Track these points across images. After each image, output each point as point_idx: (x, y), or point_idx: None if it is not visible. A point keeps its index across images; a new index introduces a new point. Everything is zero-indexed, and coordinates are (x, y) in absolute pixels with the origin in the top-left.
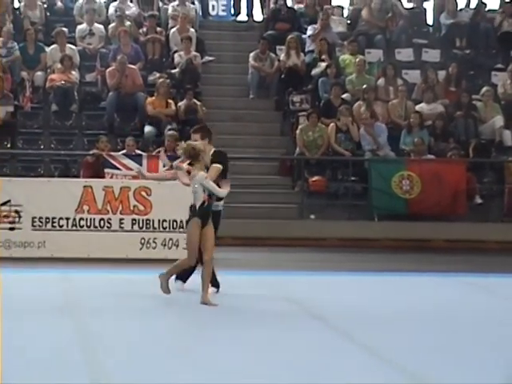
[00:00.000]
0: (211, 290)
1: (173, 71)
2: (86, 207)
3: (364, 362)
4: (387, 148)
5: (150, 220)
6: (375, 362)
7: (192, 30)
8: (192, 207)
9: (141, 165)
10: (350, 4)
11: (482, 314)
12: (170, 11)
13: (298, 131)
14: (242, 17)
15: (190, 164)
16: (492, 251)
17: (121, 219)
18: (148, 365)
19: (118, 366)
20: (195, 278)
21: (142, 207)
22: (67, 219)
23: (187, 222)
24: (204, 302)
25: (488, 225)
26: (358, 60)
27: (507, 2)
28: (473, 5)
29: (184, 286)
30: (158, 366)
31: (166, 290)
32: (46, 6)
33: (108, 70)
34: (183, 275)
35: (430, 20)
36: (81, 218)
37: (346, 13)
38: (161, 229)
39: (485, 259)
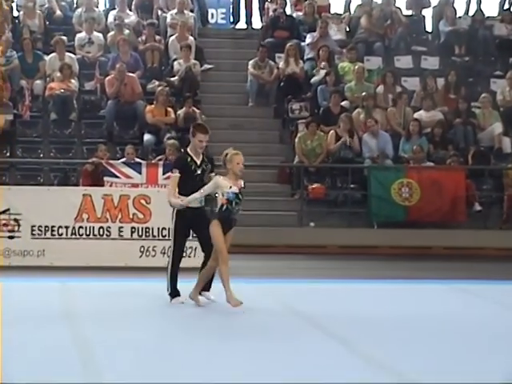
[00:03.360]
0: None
1: (172, 79)
2: (85, 215)
3: (363, 369)
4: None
5: (149, 228)
6: (373, 369)
7: (191, 38)
8: (211, 211)
9: (140, 173)
10: (345, 11)
11: (481, 321)
12: (168, 19)
13: (296, 139)
14: (241, 25)
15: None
16: (491, 258)
17: (120, 227)
18: (144, 373)
19: (116, 375)
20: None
21: (141, 215)
22: (66, 228)
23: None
24: (228, 300)
25: (487, 232)
26: (357, 67)
27: (506, 10)
28: (471, 12)
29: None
30: (153, 374)
31: (198, 301)
32: (45, 14)
33: (107, 78)
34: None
35: (428, 27)
36: (80, 227)
37: (344, 20)
38: (160, 237)
39: (484, 266)
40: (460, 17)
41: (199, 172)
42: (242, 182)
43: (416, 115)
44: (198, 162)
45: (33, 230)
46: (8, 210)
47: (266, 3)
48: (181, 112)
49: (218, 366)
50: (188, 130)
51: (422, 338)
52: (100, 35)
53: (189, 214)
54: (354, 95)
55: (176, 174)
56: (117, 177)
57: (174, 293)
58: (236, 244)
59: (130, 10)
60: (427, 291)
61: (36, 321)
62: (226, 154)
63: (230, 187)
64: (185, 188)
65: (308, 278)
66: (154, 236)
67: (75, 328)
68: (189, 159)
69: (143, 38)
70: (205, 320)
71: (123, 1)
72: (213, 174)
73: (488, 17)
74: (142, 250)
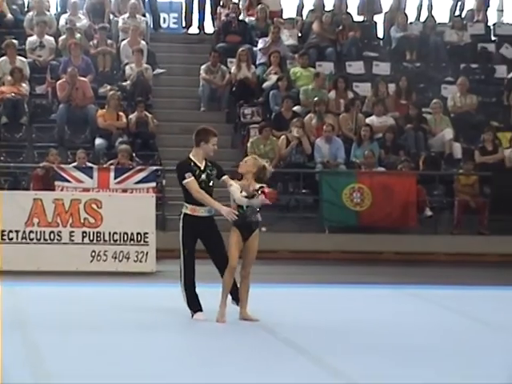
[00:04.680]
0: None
1: (124, 84)
2: (35, 220)
3: (310, 370)
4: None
5: (100, 233)
6: (319, 371)
7: (143, 42)
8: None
9: (91, 177)
10: (297, 14)
11: (431, 326)
12: (120, 24)
13: (249, 144)
14: (193, 29)
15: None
16: (442, 263)
17: (71, 232)
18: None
19: (65, 378)
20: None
21: (92, 220)
22: (17, 232)
23: None
24: (244, 317)
25: (438, 237)
26: (320, 74)
27: (457, 16)
28: (423, 18)
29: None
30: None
31: (222, 317)
32: None
33: (58, 82)
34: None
35: (380, 33)
36: (31, 231)
37: (296, 25)
38: (111, 241)
39: (435, 271)
40: (411, 23)
41: (204, 177)
42: (256, 185)
43: (367, 120)
44: (202, 167)
45: None
46: None
47: (218, 8)
48: (132, 116)
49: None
50: (139, 134)
51: (371, 343)
52: (51, 39)
53: (197, 223)
54: (308, 99)
55: (191, 179)
56: (68, 181)
57: (195, 307)
58: None
59: (82, 14)
60: (378, 296)
61: None
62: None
63: (241, 191)
64: (191, 195)
65: (259, 282)
66: (105, 240)
67: (25, 333)
68: (192, 164)
69: (95, 41)
70: (156, 328)
71: (75, 4)
72: (225, 176)
73: (439, 23)
74: (93, 254)
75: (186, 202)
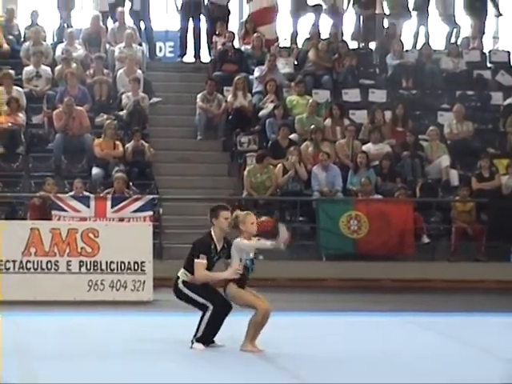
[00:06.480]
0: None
1: (120, 113)
2: (33, 249)
3: None
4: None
5: (97, 262)
6: None
7: (139, 71)
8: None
9: (88, 206)
10: (292, 42)
11: (428, 353)
12: (116, 53)
13: (245, 172)
14: (189, 58)
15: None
16: (439, 290)
17: (68, 261)
18: None
19: None
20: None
21: (89, 249)
22: (14, 262)
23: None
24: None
25: (435, 264)
26: (310, 101)
27: (452, 43)
28: (419, 46)
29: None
30: None
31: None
32: None
33: (55, 112)
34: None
35: (376, 61)
36: (28, 261)
37: (292, 53)
38: (108, 270)
39: (433, 298)
40: (407, 50)
41: (215, 259)
42: (255, 239)
43: (364, 148)
44: (219, 249)
45: None
46: None
47: (214, 37)
48: (129, 145)
49: None
50: (135, 163)
51: (371, 371)
52: (48, 69)
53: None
54: (303, 128)
55: (203, 261)
56: (65, 210)
57: (204, 339)
58: None
59: (78, 44)
60: (376, 324)
61: None
62: (237, 217)
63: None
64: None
65: None
66: (102, 270)
67: (22, 362)
68: (212, 246)
69: (91, 71)
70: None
71: (71, 34)
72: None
73: (435, 50)
74: (91, 283)
75: (187, 270)
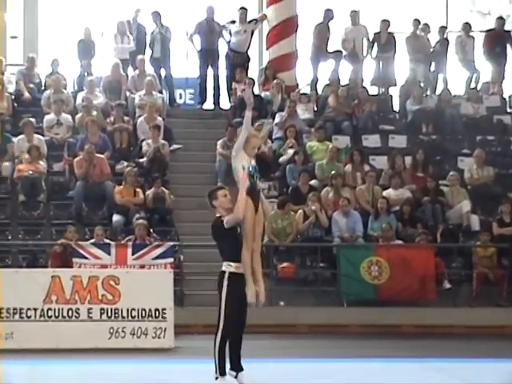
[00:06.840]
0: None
1: (141, 160)
2: (54, 297)
3: None
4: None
5: (118, 309)
6: None
7: (159, 118)
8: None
9: (109, 254)
10: (312, 89)
11: None
12: (137, 100)
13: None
14: (209, 105)
15: None
16: (462, 336)
17: (89, 309)
18: None
19: None
20: None
21: (110, 296)
22: (35, 310)
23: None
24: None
25: (457, 310)
26: (330, 147)
27: (472, 88)
28: (438, 91)
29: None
30: None
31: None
32: (13, 97)
33: (76, 159)
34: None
35: (396, 106)
36: (49, 309)
37: (312, 99)
38: (129, 318)
39: (455, 344)
40: (427, 95)
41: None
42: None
43: (384, 193)
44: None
45: (1, 313)
46: None
47: (234, 83)
48: (150, 192)
49: None
50: (156, 210)
51: None
52: (68, 117)
53: (240, 282)
54: (324, 174)
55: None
56: (86, 258)
57: (221, 371)
58: (207, 324)
59: (99, 92)
60: (398, 370)
61: None
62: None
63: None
64: (230, 250)
65: (278, 357)
66: (123, 317)
67: None
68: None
69: (111, 118)
70: None
71: (91, 83)
72: None
73: (455, 95)
74: (112, 331)
75: (229, 260)
